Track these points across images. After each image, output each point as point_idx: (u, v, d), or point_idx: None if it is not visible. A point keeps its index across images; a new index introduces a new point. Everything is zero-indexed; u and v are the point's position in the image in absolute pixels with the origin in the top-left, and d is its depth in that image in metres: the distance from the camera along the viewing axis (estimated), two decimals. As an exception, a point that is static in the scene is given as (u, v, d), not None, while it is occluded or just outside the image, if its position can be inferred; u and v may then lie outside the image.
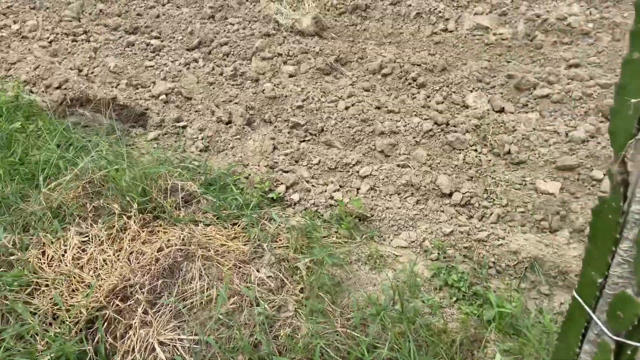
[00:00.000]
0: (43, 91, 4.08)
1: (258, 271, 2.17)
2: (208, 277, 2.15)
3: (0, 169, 2.64)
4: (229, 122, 3.64)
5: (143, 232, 2.36)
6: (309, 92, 3.72)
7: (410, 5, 4.64)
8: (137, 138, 3.46)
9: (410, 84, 3.73)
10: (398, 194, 2.83)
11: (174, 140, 3.47)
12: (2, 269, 2.23)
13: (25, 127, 3.36)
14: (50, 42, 4.66)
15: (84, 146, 3.12)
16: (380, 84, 3.82)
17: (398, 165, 3.02)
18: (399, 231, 2.59)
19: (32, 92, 4.03)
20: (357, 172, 3.01)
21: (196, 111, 3.77)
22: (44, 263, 2.22)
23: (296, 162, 3.20)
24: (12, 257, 2.23)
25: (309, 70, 4.07)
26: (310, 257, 2.24)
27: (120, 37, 4.64)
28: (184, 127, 3.57)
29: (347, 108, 3.49)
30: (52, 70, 4.26)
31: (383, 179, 2.90)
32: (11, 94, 3.85)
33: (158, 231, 2.40)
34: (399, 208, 2.71)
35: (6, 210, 2.44)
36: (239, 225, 2.57)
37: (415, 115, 3.34)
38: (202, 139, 3.45)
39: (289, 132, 3.46)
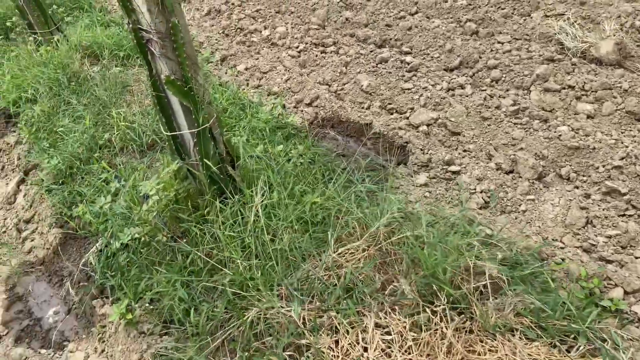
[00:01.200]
0: (294, 106, 3.88)
1: None
2: None
3: (282, 211, 2.34)
4: (511, 171, 2.95)
5: (457, 339, 1.81)
6: (627, 146, 2.82)
7: None
8: (402, 180, 2.98)
9: None
10: None
11: (444, 188, 2.90)
12: (288, 351, 1.89)
13: (287, 151, 3.13)
14: (299, 52, 4.50)
15: (346, 185, 2.73)
16: None
17: None
18: None
19: (284, 107, 3.86)
20: None
21: (465, 151, 3.16)
22: (338, 357, 1.81)
23: (623, 248, 2.37)
24: (302, 341, 1.87)
25: (614, 112, 3.14)
26: None
27: (371, 51, 4.25)
28: (456, 172, 2.99)
29: (698, 180, 2.52)
30: (303, 83, 4.05)
31: None
32: (268, 108, 3.71)
33: (475, 343, 1.82)
34: None
35: (292, 270, 2.12)
36: (575, 349, 1.87)
37: None
38: (481, 192, 2.82)
39: (601, 200, 2.63)
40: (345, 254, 2.13)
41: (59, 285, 2.80)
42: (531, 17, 4.27)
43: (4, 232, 3.25)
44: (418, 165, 3.09)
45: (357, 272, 2.05)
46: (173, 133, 2.36)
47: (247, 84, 4.26)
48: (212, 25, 5.33)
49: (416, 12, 4.76)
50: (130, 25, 2.08)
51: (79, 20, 5.28)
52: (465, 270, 2.11)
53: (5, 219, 3.34)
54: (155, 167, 3.16)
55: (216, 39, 5.01)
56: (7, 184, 3.62)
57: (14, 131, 4.06)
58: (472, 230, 2.40)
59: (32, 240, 3.11)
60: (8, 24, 5.28)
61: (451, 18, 4.55)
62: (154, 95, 2.28)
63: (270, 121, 3.37)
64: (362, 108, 3.74)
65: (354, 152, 3.33)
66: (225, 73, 4.44)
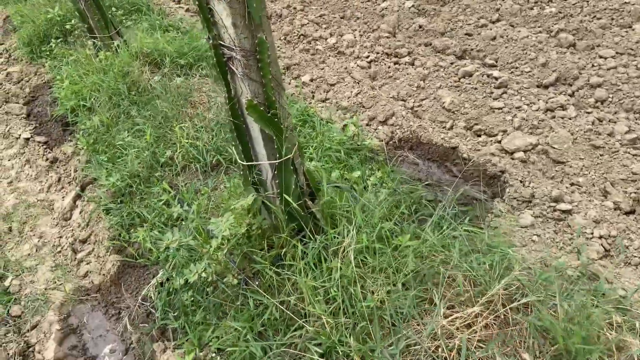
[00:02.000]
0: (367, 124, 3.53)
1: None
2: None
3: (372, 258, 1.99)
4: (631, 212, 2.50)
5: None
6: None
7: None
8: (502, 218, 2.58)
9: None
10: None
11: (553, 231, 2.48)
12: None
13: (364, 177, 2.78)
14: (369, 62, 4.15)
15: (437, 226, 2.34)
16: None
17: None
18: None
19: (354, 125, 3.51)
20: None
21: (573, 184, 2.72)
22: None
23: None
24: None
25: None
26: None
27: (451, 64, 3.85)
28: (566, 211, 2.56)
29: None
30: (375, 98, 3.70)
31: None
32: (339, 125, 3.38)
33: None
34: None
35: (391, 336, 1.77)
36: None
37: None
38: (600, 237, 2.39)
39: None
40: (456, 319, 1.77)
41: (115, 318, 2.56)
42: (633, 29, 3.75)
43: (59, 251, 3.06)
44: (518, 201, 2.68)
45: (472, 345, 1.68)
46: (250, 163, 2.06)
47: (313, 97, 3.94)
48: (274, 31, 5.05)
49: (498, 20, 4.32)
50: (211, 41, 1.79)
51: (138, 24, 5.12)
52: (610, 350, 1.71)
53: (60, 237, 3.15)
54: (220, 190, 2.88)
55: (278, 46, 4.72)
56: (63, 197, 3.44)
57: (71, 140, 3.90)
58: (599, 289, 1.99)
59: (88, 264, 2.90)
60: (67, 26, 5.17)
61: (539, 27, 4.08)
62: (231, 120, 1.98)
63: (344, 142, 3.04)
64: (444, 128, 3.35)
65: (439, 179, 2.96)
66: (289, 84, 4.15)
